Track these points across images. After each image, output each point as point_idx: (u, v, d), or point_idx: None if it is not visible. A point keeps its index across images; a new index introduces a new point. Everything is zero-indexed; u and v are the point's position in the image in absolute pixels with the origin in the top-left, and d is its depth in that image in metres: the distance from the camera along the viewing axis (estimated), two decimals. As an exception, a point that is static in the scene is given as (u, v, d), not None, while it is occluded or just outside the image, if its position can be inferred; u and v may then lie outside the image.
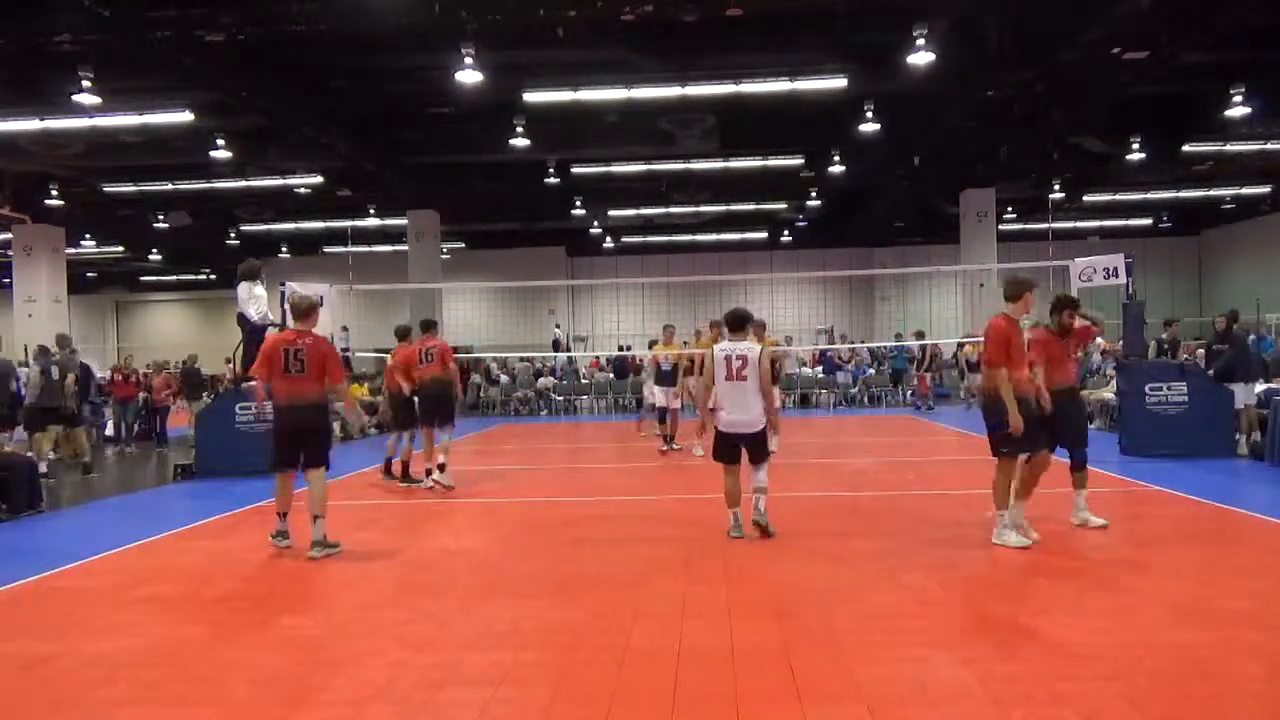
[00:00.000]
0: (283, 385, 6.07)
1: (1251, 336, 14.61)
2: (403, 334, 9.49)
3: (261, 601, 4.91)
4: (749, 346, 6.12)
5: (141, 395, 14.96)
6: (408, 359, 8.99)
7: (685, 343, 13.49)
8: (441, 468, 8.65)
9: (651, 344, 13.08)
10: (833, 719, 3.21)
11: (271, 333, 11.01)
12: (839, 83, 14.28)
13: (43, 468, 9.90)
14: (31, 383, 11.02)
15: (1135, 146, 18.45)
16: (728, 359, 6.03)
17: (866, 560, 5.54)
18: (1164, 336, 12.73)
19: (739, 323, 6.23)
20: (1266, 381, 10.46)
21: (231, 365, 11.43)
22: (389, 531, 6.90)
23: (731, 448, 6.14)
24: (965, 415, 16.72)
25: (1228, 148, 19.01)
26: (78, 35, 11.71)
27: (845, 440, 12.90)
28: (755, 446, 6.11)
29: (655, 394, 11.75)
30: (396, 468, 9.28)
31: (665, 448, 11.48)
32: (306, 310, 6.28)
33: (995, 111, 15.90)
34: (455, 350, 9.94)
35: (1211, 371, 10.29)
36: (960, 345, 19.41)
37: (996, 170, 20.44)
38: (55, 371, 10.99)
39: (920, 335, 20.21)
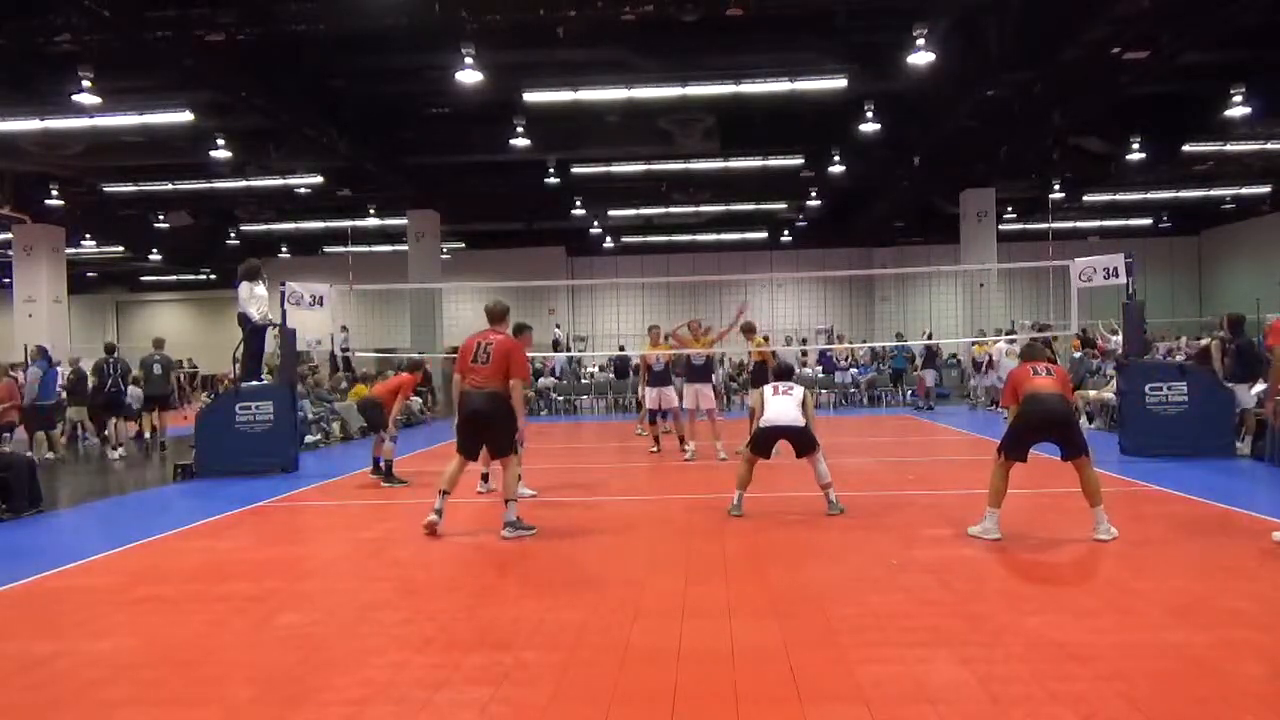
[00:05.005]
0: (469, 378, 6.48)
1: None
2: (520, 330, 7.45)
3: (261, 601, 4.90)
4: (795, 387, 7.11)
5: None
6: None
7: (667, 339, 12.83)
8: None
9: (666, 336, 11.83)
10: (833, 719, 3.20)
11: (271, 333, 11.07)
12: (839, 83, 14.28)
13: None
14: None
15: (1135, 146, 18.45)
16: (775, 388, 7.11)
17: (866, 560, 5.54)
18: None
19: (789, 373, 7.56)
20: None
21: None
22: (389, 531, 6.89)
23: (769, 443, 6.93)
24: (968, 415, 16.74)
25: (1228, 148, 19.01)
26: (78, 35, 11.71)
27: (845, 440, 12.89)
28: (800, 439, 6.85)
29: (704, 395, 10.64)
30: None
31: (656, 449, 11.34)
32: (500, 314, 6.73)
33: (995, 111, 15.91)
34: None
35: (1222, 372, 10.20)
36: (971, 345, 19.39)
37: (996, 170, 20.44)
38: (157, 368, 13.93)
39: (929, 335, 20.23)
